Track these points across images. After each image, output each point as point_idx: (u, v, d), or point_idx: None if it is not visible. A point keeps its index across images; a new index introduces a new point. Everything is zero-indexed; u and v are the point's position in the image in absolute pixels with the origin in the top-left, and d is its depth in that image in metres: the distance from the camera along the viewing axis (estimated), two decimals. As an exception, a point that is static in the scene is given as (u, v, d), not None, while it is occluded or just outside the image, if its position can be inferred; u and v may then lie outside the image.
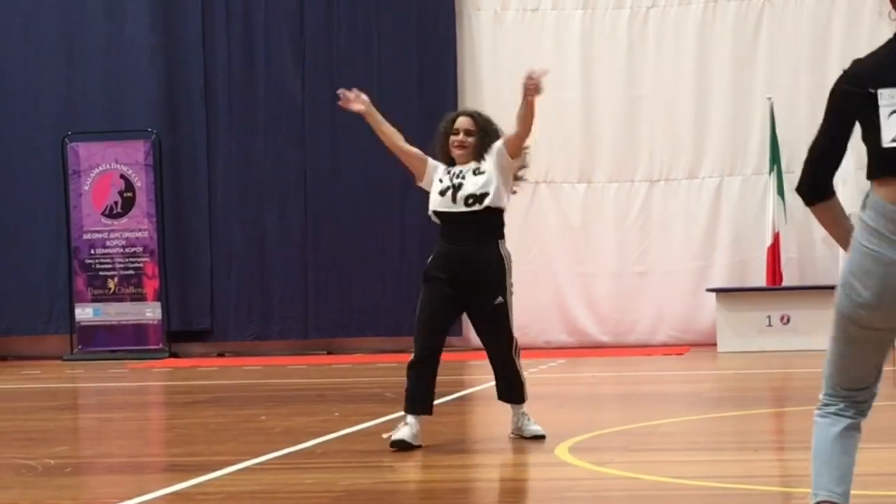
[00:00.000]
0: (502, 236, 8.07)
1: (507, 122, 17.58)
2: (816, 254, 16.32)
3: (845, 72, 4.33)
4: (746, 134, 16.67)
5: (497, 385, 8.20)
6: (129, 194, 17.28)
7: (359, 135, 17.30)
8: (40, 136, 17.44)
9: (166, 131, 17.33)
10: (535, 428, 8.12)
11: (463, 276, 7.92)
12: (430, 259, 8.11)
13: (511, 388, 8.12)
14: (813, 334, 15.21)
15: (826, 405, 4.43)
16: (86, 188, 17.32)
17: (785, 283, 15.83)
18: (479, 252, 7.95)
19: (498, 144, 8.05)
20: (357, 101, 8.41)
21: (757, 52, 16.67)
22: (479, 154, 8.04)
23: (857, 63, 4.32)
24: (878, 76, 4.24)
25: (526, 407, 8.20)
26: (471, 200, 7.92)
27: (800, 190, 4.41)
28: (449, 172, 8.06)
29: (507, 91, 16.98)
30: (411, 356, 8.02)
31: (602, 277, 16.75)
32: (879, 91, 4.22)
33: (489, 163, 8.02)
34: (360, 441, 8.48)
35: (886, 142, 4.22)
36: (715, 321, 15.81)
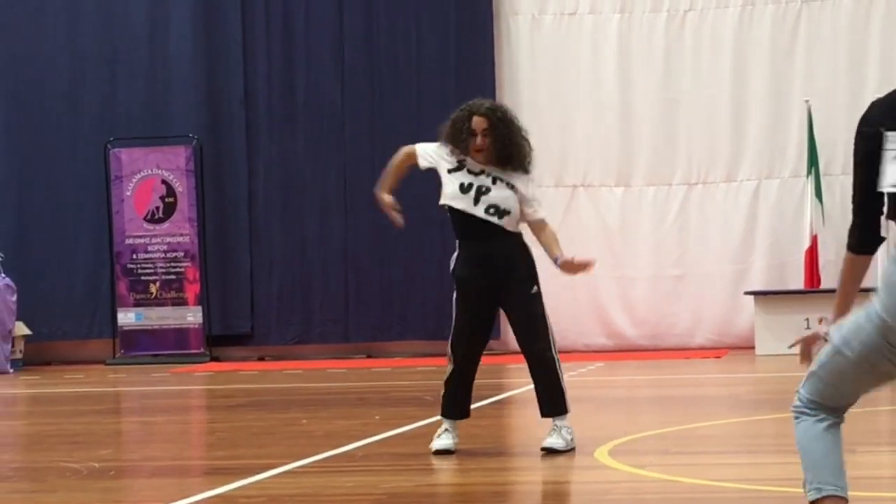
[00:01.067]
0: (520, 232, 7.83)
1: (544, 126, 17.52)
2: (855, 256, 16.23)
3: (863, 114, 4.29)
4: (784, 137, 16.65)
5: (538, 396, 7.83)
6: (171, 199, 17.40)
7: (399, 140, 17.34)
8: (83, 142, 17.58)
9: (207, 137, 17.44)
10: (550, 440, 7.73)
11: (491, 272, 7.69)
12: (453, 260, 7.87)
13: (551, 395, 7.75)
14: (852, 337, 15.18)
15: (802, 413, 4.45)
16: (128, 193, 17.45)
17: (823, 286, 15.80)
18: (501, 247, 7.70)
19: (533, 206, 7.73)
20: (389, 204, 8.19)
21: (794, 55, 16.65)
22: (497, 155, 7.69)
23: (872, 105, 4.29)
24: (888, 117, 4.20)
25: (568, 419, 7.80)
26: (492, 210, 7.66)
27: (851, 246, 4.39)
28: (469, 169, 7.71)
29: (545, 95, 17.08)
30: (449, 366, 7.86)
31: (640, 280, 16.76)
32: (886, 134, 4.21)
33: (520, 185, 7.71)
34: (400, 444, 8.52)
35: (884, 186, 4.22)
36: (753, 324, 15.80)
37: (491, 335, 8.01)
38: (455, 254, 7.92)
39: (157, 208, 17.43)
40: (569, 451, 7.71)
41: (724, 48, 16.79)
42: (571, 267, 7.66)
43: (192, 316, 17.34)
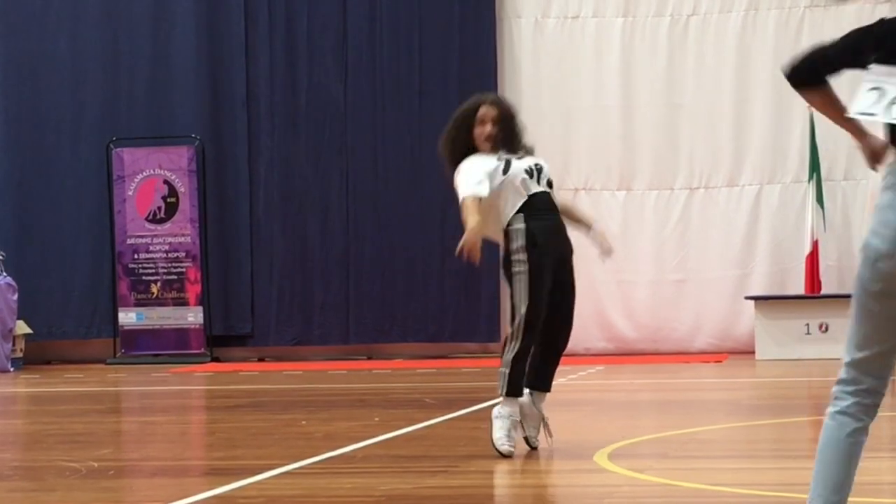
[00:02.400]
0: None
1: (546, 130, 17.52)
2: (855, 262, 16.20)
3: (878, 21, 4.33)
4: (786, 142, 16.65)
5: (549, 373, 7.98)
6: (173, 200, 17.42)
7: (401, 141, 17.40)
8: (85, 142, 17.60)
9: (210, 137, 17.46)
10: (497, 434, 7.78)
11: (563, 246, 7.94)
12: (520, 236, 7.76)
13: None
14: (852, 343, 15.17)
15: (837, 399, 4.45)
16: (130, 193, 17.47)
17: (824, 292, 15.81)
18: (562, 224, 7.99)
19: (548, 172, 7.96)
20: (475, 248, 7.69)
21: (797, 61, 16.62)
22: (503, 143, 7.82)
23: (882, 20, 4.35)
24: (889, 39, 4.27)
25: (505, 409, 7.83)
26: (548, 182, 7.91)
27: (794, 73, 4.43)
28: (504, 159, 7.79)
29: (547, 98, 17.08)
30: (516, 344, 7.72)
31: (641, 285, 16.76)
32: (871, 66, 4.26)
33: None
34: (400, 446, 8.53)
35: (852, 111, 4.28)
36: (753, 329, 15.80)
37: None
38: (518, 227, 7.77)
39: (159, 208, 17.44)
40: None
41: (727, 53, 16.79)
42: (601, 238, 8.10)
43: (192, 316, 17.35)
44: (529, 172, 7.83)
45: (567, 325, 8.00)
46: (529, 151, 8.01)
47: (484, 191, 7.67)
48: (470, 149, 7.87)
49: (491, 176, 7.76)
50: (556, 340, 7.94)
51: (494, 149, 7.83)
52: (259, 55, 17.49)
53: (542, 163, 7.95)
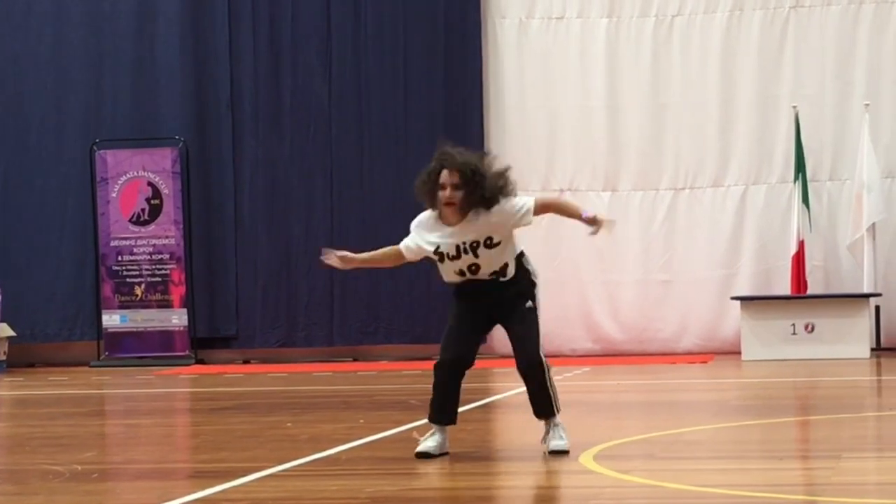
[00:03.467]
0: (522, 255, 7.92)
1: (531, 130, 17.49)
2: (841, 262, 16.31)
3: None
4: (772, 142, 16.67)
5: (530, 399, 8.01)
6: (157, 201, 17.37)
7: (385, 143, 17.38)
8: (69, 144, 17.55)
9: (194, 139, 17.42)
10: (556, 442, 7.89)
11: (492, 300, 7.84)
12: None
13: (536, 399, 7.93)
14: (837, 343, 15.22)
15: None
16: (113, 195, 17.42)
17: (809, 292, 15.82)
18: (502, 283, 7.84)
19: (522, 209, 7.73)
20: (337, 262, 8.36)
21: (782, 61, 16.66)
22: (469, 206, 7.73)
23: None
24: None
25: (560, 417, 7.98)
26: (493, 274, 7.78)
27: None
28: (448, 255, 7.78)
29: (532, 99, 17.08)
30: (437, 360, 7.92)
31: (627, 285, 16.76)
32: None
33: (500, 225, 7.73)
34: (385, 448, 8.50)
35: None
36: (739, 329, 15.80)
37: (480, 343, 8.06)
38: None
39: (143, 210, 17.40)
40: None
41: (712, 53, 16.80)
42: (597, 223, 7.89)
43: (177, 318, 17.31)
44: (460, 273, 7.79)
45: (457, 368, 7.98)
46: (504, 193, 7.76)
47: (408, 244, 8.03)
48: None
49: (418, 247, 7.99)
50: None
51: (458, 212, 7.77)
52: (243, 56, 17.46)
53: (487, 258, 7.75)
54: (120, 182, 17.42)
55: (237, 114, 17.43)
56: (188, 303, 17.27)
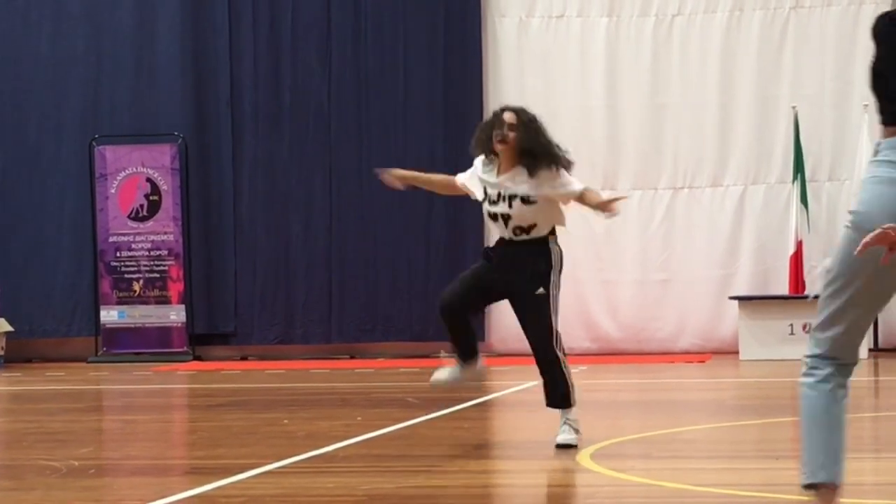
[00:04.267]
0: (553, 234, 8.17)
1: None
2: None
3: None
4: (771, 142, 16.66)
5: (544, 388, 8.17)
6: (156, 198, 17.36)
7: (384, 140, 17.36)
8: (68, 139, 17.54)
9: (193, 136, 17.40)
10: (563, 436, 8.00)
11: (509, 265, 8.04)
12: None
13: (549, 390, 8.11)
14: (836, 343, 15.19)
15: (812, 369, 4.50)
16: (112, 191, 17.41)
17: (807, 292, 15.80)
18: (526, 249, 8.05)
19: (566, 187, 8.06)
20: (394, 180, 8.62)
21: (782, 61, 16.66)
22: (520, 152, 8.00)
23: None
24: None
25: (574, 412, 8.12)
26: (518, 231, 8.04)
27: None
28: (496, 185, 8.04)
29: (531, 97, 17.02)
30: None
31: (625, 284, 16.75)
32: None
33: (545, 187, 8.01)
34: (382, 446, 8.50)
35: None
36: (737, 329, 15.79)
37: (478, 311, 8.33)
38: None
39: (142, 206, 17.38)
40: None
41: (712, 53, 16.79)
42: (607, 206, 8.08)
43: (175, 314, 17.30)
44: (493, 217, 8.09)
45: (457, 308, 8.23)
46: (556, 160, 8.04)
47: (462, 178, 8.28)
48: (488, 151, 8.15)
49: (472, 182, 8.23)
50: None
51: (509, 155, 8.03)
52: (243, 54, 17.45)
53: (520, 213, 8.00)
54: (119, 178, 17.40)
55: (237, 111, 17.42)
56: (186, 299, 17.27)
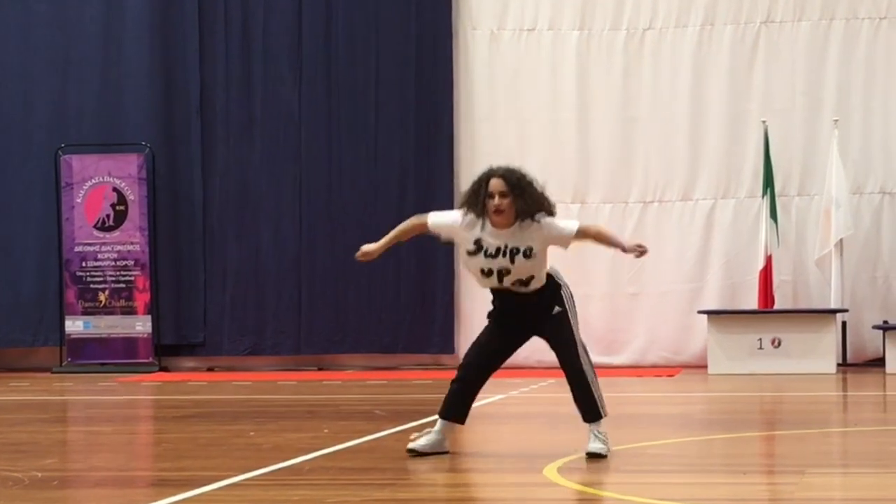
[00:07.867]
0: (551, 269, 8.39)
1: (500, 141, 17.46)
2: (808, 277, 16.34)
3: None
4: (741, 157, 16.70)
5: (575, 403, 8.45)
6: (122, 207, 17.27)
7: (355, 150, 17.32)
8: (33, 148, 17.44)
9: (161, 145, 17.32)
10: (593, 445, 8.14)
11: (526, 319, 8.29)
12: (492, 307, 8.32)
13: (581, 404, 8.39)
14: (804, 358, 15.24)
15: None
16: (78, 201, 17.31)
17: (777, 307, 15.84)
18: (531, 297, 8.21)
19: (566, 230, 8.29)
20: (371, 256, 8.57)
21: (752, 76, 16.70)
22: (518, 215, 8.06)
23: None
24: None
25: (604, 425, 8.29)
26: (517, 283, 8.14)
27: None
28: (487, 252, 8.05)
29: (502, 110, 17.07)
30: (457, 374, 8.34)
31: (595, 298, 16.73)
32: None
33: (540, 240, 8.13)
34: (348, 458, 8.45)
35: None
36: (706, 343, 15.80)
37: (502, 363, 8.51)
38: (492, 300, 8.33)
39: (108, 216, 17.30)
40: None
41: (683, 68, 16.82)
42: (636, 250, 8.60)
43: (140, 325, 17.21)
44: (486, 273, 8.09)
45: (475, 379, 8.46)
46: (548, 210, 8.23)
47: (433, 218, 8.27)
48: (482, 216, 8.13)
49: (451, 230, 8.20)
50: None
51: (507, 219, 8.06)
52: (213, 62, 17.39)
53: (520, 267, 8.10)
54: (85, 187, 17.31)
55: (206, 120, 17.36)
56: (152, 310, 17.18)
